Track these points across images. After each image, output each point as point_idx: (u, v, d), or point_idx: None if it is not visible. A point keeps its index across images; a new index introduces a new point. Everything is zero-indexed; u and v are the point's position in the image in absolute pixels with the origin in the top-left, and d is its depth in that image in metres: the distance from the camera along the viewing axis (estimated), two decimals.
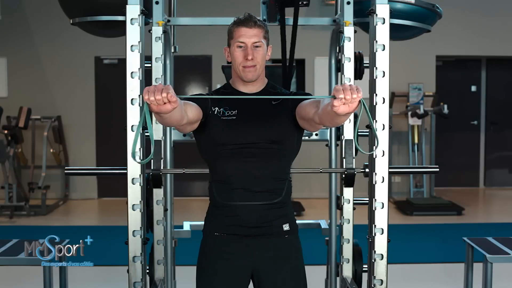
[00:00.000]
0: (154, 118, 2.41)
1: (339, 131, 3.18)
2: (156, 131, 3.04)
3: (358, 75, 3.23)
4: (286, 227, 2.24)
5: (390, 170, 2.63)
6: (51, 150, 8.08)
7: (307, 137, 3.27)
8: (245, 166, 2.17)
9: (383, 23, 2.55)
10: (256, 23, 2.20)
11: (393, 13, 2.74)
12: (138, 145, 2.29)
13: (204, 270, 2.26)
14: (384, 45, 2.55)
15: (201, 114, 2.18)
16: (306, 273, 2.30)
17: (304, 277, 2.29)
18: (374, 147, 1.91)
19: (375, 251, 2.59)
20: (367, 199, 2.75)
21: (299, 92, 2.31)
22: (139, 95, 2.56)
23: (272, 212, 2.20)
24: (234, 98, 2.24)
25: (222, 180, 2.21)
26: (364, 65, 3.20)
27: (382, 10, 2.55)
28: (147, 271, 2.90)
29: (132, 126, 2.61)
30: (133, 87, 2.56)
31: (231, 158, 2.18)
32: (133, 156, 1.90)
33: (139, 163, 1.87)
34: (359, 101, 1.71)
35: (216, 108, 2.22)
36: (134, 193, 2.60)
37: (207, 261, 2.25)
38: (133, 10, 2.56)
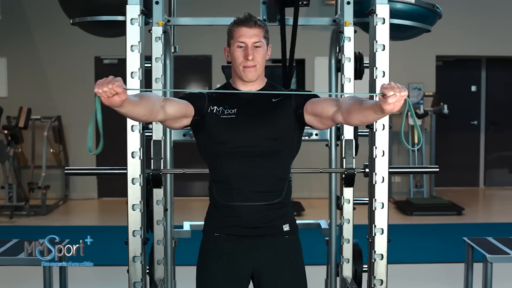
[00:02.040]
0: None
1: (339, 131, 3.18)
2: (156, 131, 3.05)
3: (358, 75, 3.23)
4: (286, 227, 2.23)
5: (390, 170, 2.64)
6: (51, 150, 8.08)
7: (307, 137, 3.27)
8: (245, 165, 2.17)
9: (383, 23, 2.55)
10: (256, 23, 2.19)
11: (393, 13, 2.74)
12: (103, 139, 2.24)
13: (204, 271, 2.26)
14: (384, 45, 2.55)
15: (190, 111, 2.18)
16: (306, 273, 2.30)
17: (304, 278, 2.29)
18: (416, 144, 1.97)
19: (375, 251, 2.59)
20: (367, 199, 2.75)
21: (300, 90, 2.31)
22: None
23: (272, 212, 2.20)
24: (233, 97, 2.23)
25: (221, 180, 2.20)
26: (364, 65, 3.21)
27: (382, 10, 2.55)
28: (147, 271, 2.90)
29: (132, 126, 2.62)
30: (133, 87, 2.56)
31: (231, 157, 2.17)
32: (89, 150, 1.92)
33: (92, 154, 1.90)
34: (405, 100, 1.79)
35: (215, 107, 2.22)
36: (134, 193, 2.60)
37: (207, 262, 2.25)
38: (133, 10, 2.56)
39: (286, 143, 2.22)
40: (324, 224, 3.59)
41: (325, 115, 2.13)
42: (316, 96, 2.23)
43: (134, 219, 2.60)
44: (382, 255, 2.59)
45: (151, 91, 2.20)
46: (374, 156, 2.61)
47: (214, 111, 2.21)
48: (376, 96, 1.90)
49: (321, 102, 2.17)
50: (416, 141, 8.25)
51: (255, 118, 2.19)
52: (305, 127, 2.30)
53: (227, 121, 2.19)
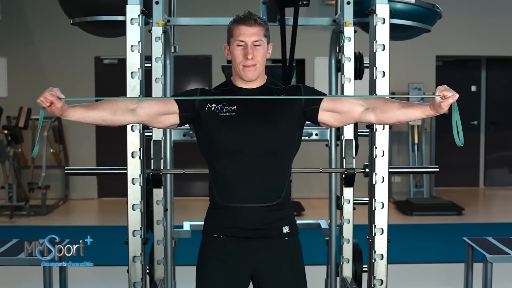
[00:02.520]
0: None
1: (339, 131, 3.18)
2: (156, 131, 3.05)
3: (358, 75, 3.23)
4: (286, 229, 2.21)
5: (390, 170, 2.64)
6: (51, 150, 8.08)
7: (307, 137, 3.27)
8: (244, 164, 2.14)
9: (383, 23, 2.55)
10: (256, 21, 2.16)
11: (393, 13, 2.74)
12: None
13: (203, 272, 2.24)
14: (384, 45, 2.56)
15: (170, 108, 2.17)
16: (306, 273, 2.29)
17: (304, 280, 2.27)
18: (458, 138, 2.17)
19: (375, 251, 2.59)
20: (367, 199, 2.75)
21: (307, 87, 2.26)
22: (139, 95, 2.57)
23: (271, 214, 2.18)
24: (233, 94, 2.21)
25: (221, 180, 2.18)
26: (364, 65, 3.21)
27: (382, 10, 2.55)
28: (147, 271, 2.90)
29: (132, 126, 2.62)
30: (133, 87, 2.56)
31: (230, 156, 2.15)
32: (34, 154, 2.11)
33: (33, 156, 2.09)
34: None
35: (214, 105, 2.18)
36: (134, 193, 2.60)
37: (206, 263, 2.23)
38: (133, 10, 2.56)
39: (287, 141, 2.19)
40: (324, 224, 3.59)
41: (352, 113, 2.17)
42: (322, 92, 2.24)
43: (134, 219, 2.60)
44: (382, 255, 2.59)
45: (84, 100, 2.30)
46: (374, 156, 2.61)
47: (213, 109, 2.18)
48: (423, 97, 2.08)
49: (346, 101, 2.21)
50: (416, 141, 8.26)
51: (255, 116, 2.15)
52: (305, 127, 2.29)
53: (226, 119, 2.15)
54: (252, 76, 2.18)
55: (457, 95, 2.01)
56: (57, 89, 1.97)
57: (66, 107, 2.08)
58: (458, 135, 2.13)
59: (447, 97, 2.00)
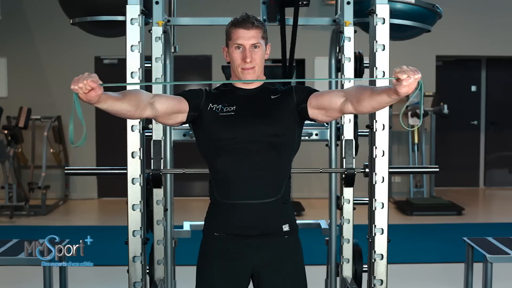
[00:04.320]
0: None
1: (339, 131, 3.18)
2: (156, 131, 3.05)
3: (358, 75, 3.23)
4: (285, 227, 2.22)
5: (390, 170, 2.64)
6: (51, 150, 8.08)
7: (307, 137, 3.27)
8: (244, 162, 2.16)
9: (383, 23, 2.55)
10: (254, 24, 2.18)
11: (393, 13, 2.74)
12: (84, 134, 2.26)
13: (203, 271, 2.25)
14: (384, 45, 2.56)
15: (183, 106, 2.18)
16: (306, 273, 2.30)
17: (304, 278, 2.28)
18: (418, 123, 2.03)
19: (375, 251, 2.59)
20: (367, 199, 2.75)
21: (299, 86, 2.30)
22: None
23: (271, 212, 2.19)
24: (232, 94, 2.24)
25: (221, 177, 2.20)
26: (364, 65, 3.21)
27: (382, 10, 2.55)
28: (147, 271, 2.90)
29: (132, 126, 2.62)
30: (133, 87, 2.56)
31: (230, 154, 2.17)
32: (71, 141, 1.95)
33: (74, 146, 1.94)
34: (418, 82, 1.83)
35: (214, 105, 2.22)
36: (134, 193, 2.60)
37: (206, 262, 2.25)
38: (133, 10, 2.56)
39: (286, 139, 2.22)
40: (324, 224, 3.59)
41: (333, 107, 2.15)
42: (315, 90, 2.25)
43: (134, 219, 2.60)
44: (382, 255, 2.59)
45: (125, 85, 2.24)
46: (374, 156, 2.62)
47: (213, 109, 2.21)
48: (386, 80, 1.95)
49: (327, 94, 2.19)
50: (416, 141, 8.26)
51: (254, 115, 2.19)
52: (305, 127, 2.30)
53: (226, 119, 2.19)
54: (250, 78, 2.21)
55: (415, 77, 1.81)
56: (95, 75, 1.84)
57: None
58: (419, 118, 2.04)
59: (401, 80, 1.82)
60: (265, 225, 2.19)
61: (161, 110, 2.14)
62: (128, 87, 2.43)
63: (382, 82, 2.55)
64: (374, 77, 2.57)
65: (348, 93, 2.12)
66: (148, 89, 2.88)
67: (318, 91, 2.23)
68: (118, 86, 2.06)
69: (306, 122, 2.27)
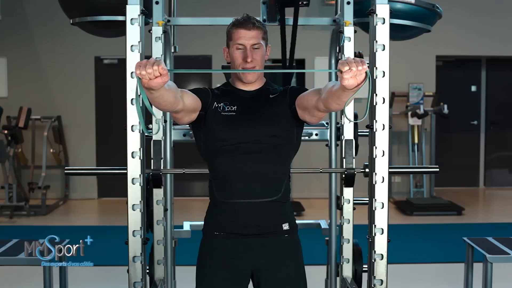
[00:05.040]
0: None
1: (339, 131, 3.18)
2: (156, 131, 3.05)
3: None
4: (285, 226, 2.24)
5: (390, 170, 2.64)
6: (51, 150, 8.08)
7: (307, 137, 3.27)
8: (244, 161, 2.18)
9: (383, 23, 2.55)
10: (255, 25, 2.21)
11: (393, 13, 2.74)
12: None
13: (204, 270, 2.26)
14: (384, 45, 2.55)
15: (199, 105, 2.20)
16: (306, 273, 2.30)
17: (304, 277, 2.29)
18: (365, 113, 1.95)
19: (375, 251, 2.59)
20: (367, 199, 2.75)
21: (294, 87, 2.32)
22: (139, 95, 2.56)
23: (271, 211, 2.21)
24: (234, 95, 2.26)
25: (221, 177, 2.21)
26: None
27: (382, 10, 2.55)
28: (147, 271, 2.90)
29: (132, 126, 2.61)
30: (133, 87, 2.56)
31: (230, 153, 2.19)
32: (145, 130, 1.92)
33: (149, 134, 1.85)
34: (365, 73, 1.76)
35: (218, 104, 2.24)
36: (134, 193, 2.60)
37: (206, 261, 2.26)
38: (133, 10, 2.56)
39: (286, 139, 2.24)
40: (324, 224, 3.58)
41: (310, 106, 2.14)
42: (304, 89, 2.25)
43: (134, 219, 2.60)
44: (382, 255, 2.59)
45: (193, 71, 2.21)
46: (374, 156, 2.61)
47: (216, 108, 2.24)
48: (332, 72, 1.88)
49: (306, 94, 2.19)
50: (416, 141, 8.26)
51: (254, 116, 2.21)
52: (305, 127, 2.31)
53: (227, 118, 2.21)
54: (251, 78, 2.24)
55: (357, 69, 1.74)
56: (161, 60, 1.75)
57: None
58: (365, 112, 1.97)
59: (344, 72, 1.74)
60: (265, 224, 2.20)
61: (187, 105, 2.12)
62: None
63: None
64: (374, 77, 2.57)
65: (322, 90, 2.08)
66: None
67: (306, 90, 2.24)
68: None
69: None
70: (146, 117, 2.68)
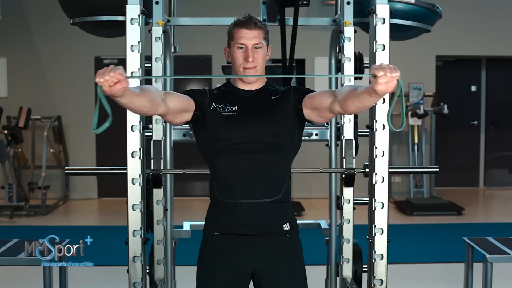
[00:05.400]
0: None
1: (339, 131, 3.18)
2: (156, 131, 3.05)
3: None
4: (286, 226, 2.24)
5: (390, 170, 2.64)
6: (51, 150, 8.08)
7: (307, 137, 3.27)
8: (245, 161, 2.17)
9: (383, 23, 2.55)
10: (257, 25, 2.21)
11: (393, 13, 2.74)
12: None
13: (204, 270, 2.26)
14: (384, 45, 2.56)
15: (191, 105, 2.19)
16: (306, 273, 2.30)
17: (305, 277, 2.29)
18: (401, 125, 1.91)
19: (375, 251, 2.59)
20: (367, 199, 2.75)
21: (297, 87, 2.32)
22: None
23: (272, 211, 2.20)
24: (234, 95, 2.26)
25: (221, 177, 2.21)
26: (364, 65, 3.20)
27: (382, 10, 2.55)
28: (147, 271, 2.90)
29: (132, 126, 2.62)
30: (133, 85, 2.56)
31: (231, 153, 2.18)
32: (94, 128, 1.87)
33: (95, 131, 1.86)
34: (397, 80, 1.75)
35: (217, 105, 2.23)
36: (134, 193, 2.60)
37: (207, 261, 2.25)
38: (133, 10, 2.56)
39: (287, 139, 2.23)
40: (324, 224, 3.58)
41: (323, 107, 2.14)
42: (313, 90, 2.25)
43: (134, 219, 2.60)
44: (382, 255, 2.59)
45: (151, 77, 2.22)
46: (374, 156, 2.62)
47: (216, 109, 2.23)
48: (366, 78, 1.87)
49: (319, 95, 2.19)
50: (416, 141, 8.26)
51: (255, 116, 2.21)
52: (305, 127, 2.31)
53: (227, 118, 2.20)
54: (252, 78, 2.23)
55: (392, 75, 1.74)
56: (121, 67, 1.78)
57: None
58: (402, 119, 1.85)
59: (378, 77, 1.74)
60: (266, 225, 2.20)
61: (172, 107, 2.13)
62: (136, 83, 2.37)
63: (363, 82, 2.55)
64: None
65: (338, 92, 2.11)
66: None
67: (314, 91, 2.24)
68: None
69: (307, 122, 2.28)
70: (146, 116, 2.68)
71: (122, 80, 1.76)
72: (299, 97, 2.23)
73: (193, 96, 2.22)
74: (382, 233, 2.59)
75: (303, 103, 2.21)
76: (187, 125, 2.42)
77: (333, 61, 3.32)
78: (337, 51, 3.31)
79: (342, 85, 3.14)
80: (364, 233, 2.73)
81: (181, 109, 2.17)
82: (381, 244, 2.59)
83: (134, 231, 2.60)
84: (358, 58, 3.19)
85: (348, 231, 3.20)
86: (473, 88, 9.24)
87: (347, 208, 3.20)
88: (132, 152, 2.62)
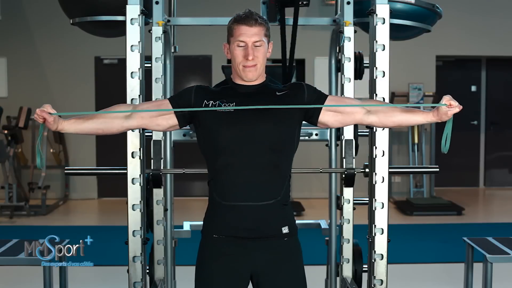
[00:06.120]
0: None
1: (339, 131, 3.18)
2: (156, 131, 3.04)
3: (358, 75, 3.23)
4: (285, 229, 2.19)
5: (390, 170, 2.64)
6: (51, 150, 8.08)
7: (307, 137, 3.27)
8: (243, 162, 2.12)
9: (383, 23, 2.55)
10: (257, 21, 2.14)
11: (393, 13, 2.74)
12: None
13: (203, 273, 2.23)
14: (384, 45, 2.56)
15: (164, 107, 2.17)
16: (306, 273, 2.29)
17: (304, 280, 2.26)
18: (445, 146, 2.22)
19: (375, 251, 2.59)
20: (367, 199, 2.75)
21: (310, 86, 2.26)
22: (139, 95, 2.57)
23: (270, 213, 2.16)
24: (232, 90, 2.20)
25: (219, 177, 2.16)
26: (364, 65, 3.21)
27: (382, 10, 2.55)
28: (147, 271, 2.90)
29: None
30: (133, 87, 2.56)
31: (229, 154, 2.13)
32: (39, 166, 2.30)
33: (39, 167, 2.10)
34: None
35: (211, 101, 2.17)
36: (134, 193, 2.60)
37: (205, 263, 2.22)
38: (133, 10, 2.56)
39: (287, 138, 2.17)
40: (324, 224, 3.59)
41: (353, 115, 2.20)
42: (322, 92, 2.25)
43: (134, 219, 2.60)
44: (382, 255, 2.59)
45: (78, 114, 2.29)
46: (374, 156, 2.62)
47: (210, 106, 2.16)
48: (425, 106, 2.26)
49: (347, 101, 2.27)
50: (416, 141, 8.27)
51: (255, 113, 2.11)
52: (305, 127, 2.29)
53: (225, 116, 2.13)
54: (252, 76, 2.17)
55: (460, 106, 2.13)
56: (48, 105, 2.08)
57: (62, 121, 2.22)
58: (445, 143, 2.22)
59: (453, 106, 2.10)
60: (265, 228, 2.16)
61: (139, 118, 2.17)
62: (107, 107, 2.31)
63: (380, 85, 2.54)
64: (374, 77, 2.57)
65: (370, 107, 2.21)
66: (148, 92, 2.88)
67: (329, 95, 2.25)
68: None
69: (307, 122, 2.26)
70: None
71: (46, 116, 2.15)
72: (317, 96, 2.19)
73: (170, 99, 2.22)
74: (382, 233, 2.59)
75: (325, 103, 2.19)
76: (187, 125, 2.41)
77: (333, 61, 3.32)
78: (337, 51, 3.31)
79: (342, 85, 3.14)
80: (364, 233, 2.73)
81: (151, 116, 2.17)
82: (381, 244, 2.59)
83: (134, 231, 2.60)
84: (358, 58, 3.20)
85: (348, 231, 3.20)
86: (473, 88, 9.24)
87: (347, 208, 3.20)
88: (132, 152, 2.62)
